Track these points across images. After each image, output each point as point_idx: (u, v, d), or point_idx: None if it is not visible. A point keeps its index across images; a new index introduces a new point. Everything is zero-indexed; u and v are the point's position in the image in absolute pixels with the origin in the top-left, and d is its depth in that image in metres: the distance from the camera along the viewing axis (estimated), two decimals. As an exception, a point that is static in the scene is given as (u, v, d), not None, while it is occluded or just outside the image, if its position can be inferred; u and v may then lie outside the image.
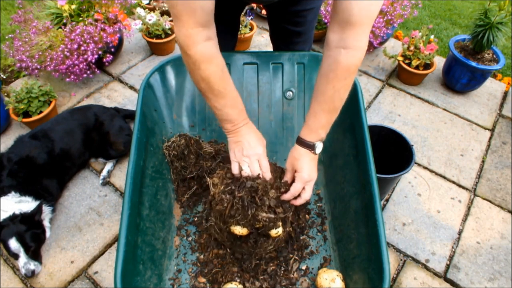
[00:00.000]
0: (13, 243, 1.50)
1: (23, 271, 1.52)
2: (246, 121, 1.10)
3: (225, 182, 1.10)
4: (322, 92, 1.01)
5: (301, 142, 1.08)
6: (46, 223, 1.68)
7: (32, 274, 1.53)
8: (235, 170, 1.10)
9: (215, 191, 1.10)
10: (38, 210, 1.59)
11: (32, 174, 1.70)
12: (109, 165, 1.95)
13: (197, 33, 0.94)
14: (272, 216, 1.06)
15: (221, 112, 1.06)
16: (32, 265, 1.54)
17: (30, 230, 1.56)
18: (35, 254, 1.58)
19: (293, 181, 1.11)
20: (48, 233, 1.68)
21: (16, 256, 1.53)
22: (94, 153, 1.93)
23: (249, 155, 1.08)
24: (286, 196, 1.09)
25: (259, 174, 1.09)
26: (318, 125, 1.05)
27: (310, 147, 1.07)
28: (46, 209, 1.68)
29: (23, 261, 1.52)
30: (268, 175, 1.10)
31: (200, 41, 0.95)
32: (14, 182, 1.64)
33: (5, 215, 1.56)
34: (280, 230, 1.10)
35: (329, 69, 0.97)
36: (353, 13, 0.88)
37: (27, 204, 1.62)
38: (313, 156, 1.09)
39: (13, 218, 1.55)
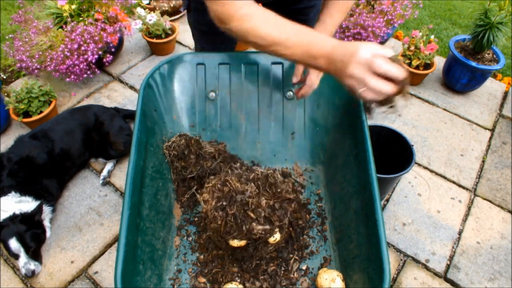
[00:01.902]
0: (13, 243, 1.50)
1: (23, 271, 1.51)
2: (335, 42, 0.88)
3: (216, 196, 1.09)
4: None
5: None
6: (46, 223, 1.68)
7: (32, 274, 1.53)
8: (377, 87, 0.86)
9: (207, 207, 1.10)
10: (38, 210, 1.59)
11: (32, 174, 1.70)
12: (109, 165, 1.95)
13: (237, 2, 0.88)
14: (268, 227, 1.06)
15: (300, 50, 0.89)
16: (32, 265, 1.53)
17: (30, 230, 1.55)
18: (35, 254, 1.58)
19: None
20: (48, 233, 1.68)
21: (16, 256, 1.53)
22: (94, 153, 1.93)
23: (372, 63, 0.83)
24: (302, 92, 1.22)
25: (247, 189, 1.08)
26: (332, 23, 1.14)
27: None
28: (46, 209, 1.68)
29: (23, 261, 1.52)
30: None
31: (244, 4, 0.88)
32: (14, 182, 1.64)
33: (5, 215, 1.56)
34: (278, 237, 1.10)
35: None
36: None
37: (27, 204, 1.61)
38: None
39: (13, 218, 1.55)
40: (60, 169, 1.80)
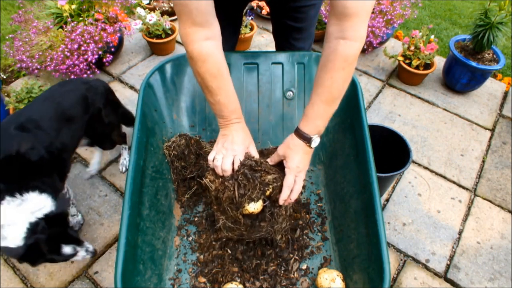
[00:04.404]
0: (66, 249, 1.27)
1: (89, 255, 1.36)
2: (239, 120, 1.12)
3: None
4: (320, 83, 1.03)
5: (299, 134, 1.08)
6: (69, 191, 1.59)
7: (95, 253, 1.39)
8: (210, 156, 1.12)
9: (215, 185, 1.11)
10: (64, 206, 1.31)
11: (26, 173, 1.34)
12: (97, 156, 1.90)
13: (194, 32, 0.98)
14: (277, 175, 1.09)
15: (214, 107, 1.10)
16: (91, 247, 1.37)
17: (64, 226, 1.29)
18: (78, 238, 1.35)
19: (280, 169, 1.14)
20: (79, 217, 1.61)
21: (74, 254, 1.31)
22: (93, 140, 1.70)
23: (227, 148, 1.10)
24: (283, 195, 1.08)
25: (251, 157, 1.12)
26: (316, 116, 1.05)
27: (307, 140, 1.07)
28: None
29: (82, 254, 1.33)
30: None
31: (197, 40, 0.99)
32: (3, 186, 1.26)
33: (19, 230, 1.21)
34: None
35: (327, 59, 0.99)
36: (348, 5, 0.91)
37: (35, 201, 1.28)
38: (308, 150, 1.09)
39: (36, 228, 1.22)
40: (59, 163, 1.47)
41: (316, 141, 1.07)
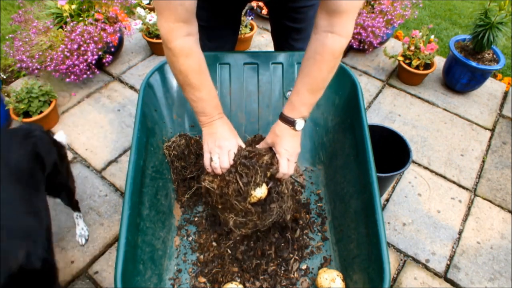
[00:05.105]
0: None
1: None
2: (221, 116, 1.14)
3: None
4: (307, 73, 1.06)
5: (283, 118, 1.11)
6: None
7: None
8: (206, 161, 1.13)
9: (217, 184, 1.11)
10: None
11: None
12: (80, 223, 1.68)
13: (178, 28, 0.99)
14: (271, 153, 1.13)
15: (196, 105, 1.10)
16: None
17: None
18: None
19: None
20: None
21: None
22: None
23: (221, 146, 1.11)
24: (279, 175, 1.13)
25: (243, 148, 1.13)
26: (301, 103, 1.09)
27: (291, 123, 1.09)
28: None
29: None
30: None
31: (180, 36, 1.00)
32: None
33: None
34: None
35: (315, 51, 1.03)
36: (340, 2, 0.93)
37: None
38: (294, 133, 1.12)
39: None
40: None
41: (300, 124, 1.10)
